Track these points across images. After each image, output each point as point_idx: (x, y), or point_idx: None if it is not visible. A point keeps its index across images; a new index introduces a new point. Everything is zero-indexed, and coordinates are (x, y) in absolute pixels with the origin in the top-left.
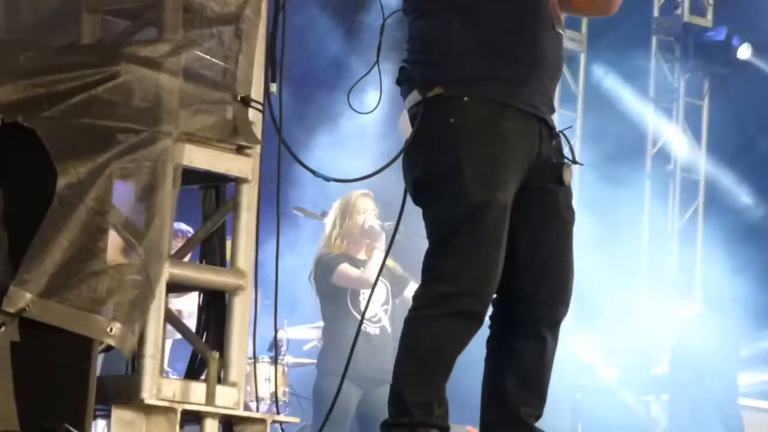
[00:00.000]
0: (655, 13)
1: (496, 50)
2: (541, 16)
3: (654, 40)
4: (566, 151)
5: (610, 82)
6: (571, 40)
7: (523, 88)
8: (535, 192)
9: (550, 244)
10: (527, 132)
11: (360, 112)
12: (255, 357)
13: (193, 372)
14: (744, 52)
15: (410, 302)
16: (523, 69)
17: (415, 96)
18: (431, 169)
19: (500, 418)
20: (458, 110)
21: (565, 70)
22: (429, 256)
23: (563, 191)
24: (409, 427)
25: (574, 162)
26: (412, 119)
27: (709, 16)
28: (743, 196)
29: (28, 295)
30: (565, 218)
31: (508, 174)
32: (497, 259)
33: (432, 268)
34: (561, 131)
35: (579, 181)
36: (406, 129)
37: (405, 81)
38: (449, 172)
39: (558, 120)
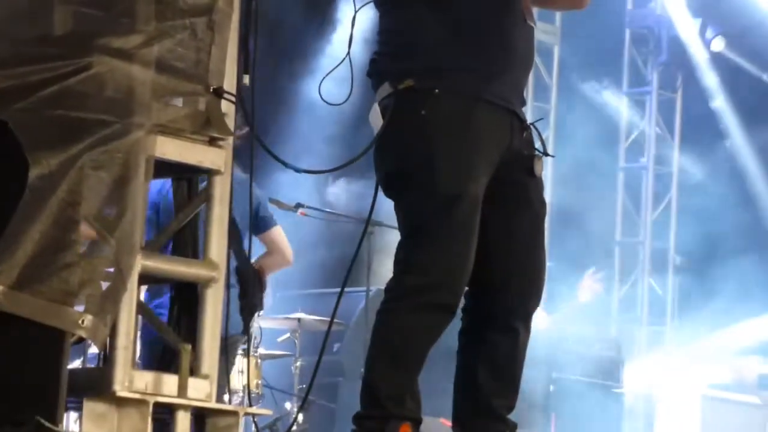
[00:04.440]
0: (629, 6)
1: (467, 43)
2: (513, 9)
3: (627, 32)
4: (537, 143)
5: (584, 74)
6: (545, 33)
7: (495, 80)
8: (506, 184)
9: (522, 235)
10: (498, 124)
11: (330, 104)
12: (227, 349)
13: (165, 364)
14: (717, 44)
15: None
16: (494, 62)
17: (385, 88)
18: (402, 162)
19: (473, 410)
20: (429, 102)
21: (538, 62)
22: (401, 248)
23: (534, 183)
24: (381, 420)
25: (545, 154)
26: (383, 111)
27: (683, 8)
28: (716, 189)
29: (0, 287)
30: (537, 210)
31: (480, 166)
32: (469, 251)
33: (403, 261)
34: (532, 123)
35: (552, 174)
36: (376, 121)
37: (375, 73)
38: (420, 164)
39: (531, 112)
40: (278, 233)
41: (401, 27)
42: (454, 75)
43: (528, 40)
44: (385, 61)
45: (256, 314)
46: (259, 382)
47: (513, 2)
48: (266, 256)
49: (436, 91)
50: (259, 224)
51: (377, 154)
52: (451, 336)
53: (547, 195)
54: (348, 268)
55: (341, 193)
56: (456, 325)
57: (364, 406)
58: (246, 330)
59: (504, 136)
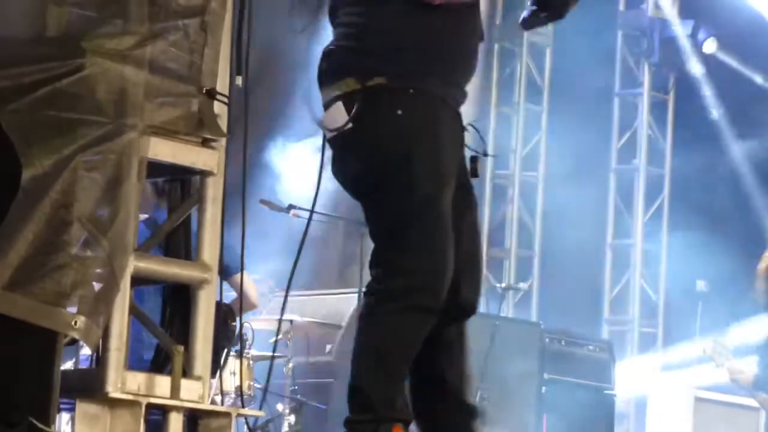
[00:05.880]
0: (621, 7)
1: (439, 50)
2: (475, 25)
3: (620, 34)
4: (473, 144)
5: (576, 76)
6: (537, 34)
7: (454, 87)
8: (457, 187)
9: (468, 236)
10: (457, 126)
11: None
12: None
13: (157, 365)
14: (709, 46)
15: None
16: (456, 70)
17: (349, 84)
18: (380, 161)
19: (447, 408)
20: (405, 102)
21: (531, 63)
22: (382, 249)
23: (471, 184)
24: (373, 423)
25: (485, 154)
26: (349, 108)
27: (675, 10)
28: (708, 190)
29: None
30: (475, 210)
31: (451, 168)
32: (450, 252)
33: (385, 262)
34: (470, 123)
35: (544, 174)
36: (337, 118)
37: (337, 66)
38: (399, 164)
39: (524, 114)
40: (241, 278)
41: (377, 25)
42: (425, 78)
43: (478, 53)
44: (351, 56)
45: (224, 350)
46: (251, 383)
47: (476, 17)
48: (235, 300)
49: (411, 91)
50: (223, 271)
51: (342, 152)
52: None
53: (540, 195)
54: (293, 266)
55: None
56: None
57: (354, 410)
58: (215, 366)
59: (461, 138)
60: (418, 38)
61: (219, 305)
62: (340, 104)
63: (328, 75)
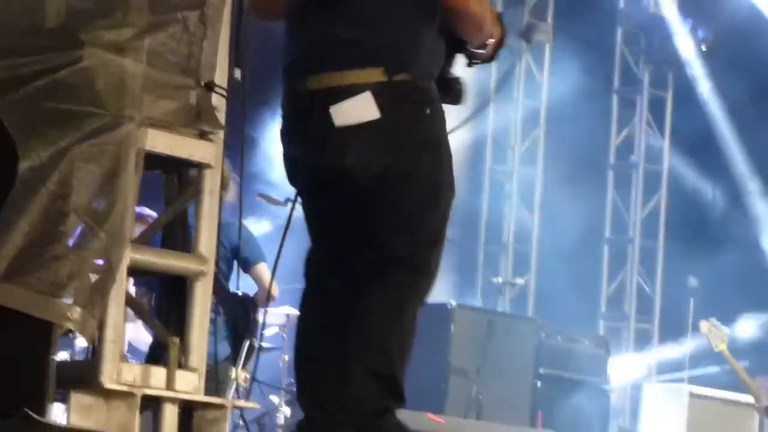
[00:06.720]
0: (621, 4)
1: (438, 56)
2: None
3: (619, 31)
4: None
5: (575, 72)
6: (537, 30)
7: None
8: None
9: None
10: None
11: None
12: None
13: (153, 357)
14: (708, 44)
15: None
16: (435, 73)
17: (372, 74)
18: (410, 157)
19: None
20: (431, 102)
21: (530, 60)
22: (398, 242)
23: None
24: (394, 410)
25: None
26: (379, 100)
27: (675, 8)
28: (705, 188)
29: None
30: None
31: None
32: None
33: (405, 257)
34: None
35: (542, 170)
36: (365, 107)
37: (362, 54)
38: (429, 163)
39: (523, 110)
40: (261, 270)
41: (400, 20)
42: (431, 80)
43: None
44: (377, 47)
45: (246, 341)
46: (247, 375)
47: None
48: (258, 292)
49: (432, 93)
50: (243, 263)
51: (360, 144)
52: (441, 335)
53: (538, 191)
54: (276, 256)
55: None
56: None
57: (387, 398)
58: (235, 356)
59: None
60: (431, 42)
61: (242, 297)
62: (368, 95)
63: (345, 61)
